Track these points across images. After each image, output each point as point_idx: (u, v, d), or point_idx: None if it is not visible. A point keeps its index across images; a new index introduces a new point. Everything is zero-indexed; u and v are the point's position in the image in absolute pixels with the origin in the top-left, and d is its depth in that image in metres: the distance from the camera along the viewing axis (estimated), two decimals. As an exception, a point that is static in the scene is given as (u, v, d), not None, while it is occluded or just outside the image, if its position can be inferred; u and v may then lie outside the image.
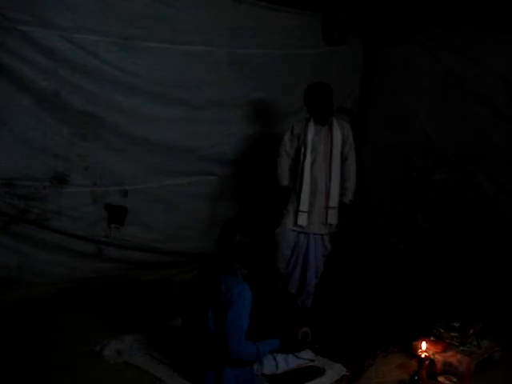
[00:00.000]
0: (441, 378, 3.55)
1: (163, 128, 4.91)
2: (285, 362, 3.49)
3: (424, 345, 3.61)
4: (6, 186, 4.23)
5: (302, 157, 4.47)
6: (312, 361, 3.58)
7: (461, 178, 5.48)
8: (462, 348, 3.72)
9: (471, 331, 3.81)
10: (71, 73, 4.32)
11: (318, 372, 3.54)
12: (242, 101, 5.28)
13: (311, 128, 4.47)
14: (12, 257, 4.36)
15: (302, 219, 4.45)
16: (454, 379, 3.53)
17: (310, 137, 4.46)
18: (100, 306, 4.40)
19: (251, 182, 5.44)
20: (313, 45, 5.70)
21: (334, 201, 4.51)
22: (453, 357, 3.62)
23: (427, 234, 5.49)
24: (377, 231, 5.77)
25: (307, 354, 3.61)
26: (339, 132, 4.51)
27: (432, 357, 3.58)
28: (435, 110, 5.65)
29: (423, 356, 3.54)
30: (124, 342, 3.77)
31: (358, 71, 6.24)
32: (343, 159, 4.56)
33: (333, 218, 4.54)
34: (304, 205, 4.44)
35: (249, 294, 3.28)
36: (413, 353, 3.75)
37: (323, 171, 4.49)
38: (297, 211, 4.46)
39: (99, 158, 4.66)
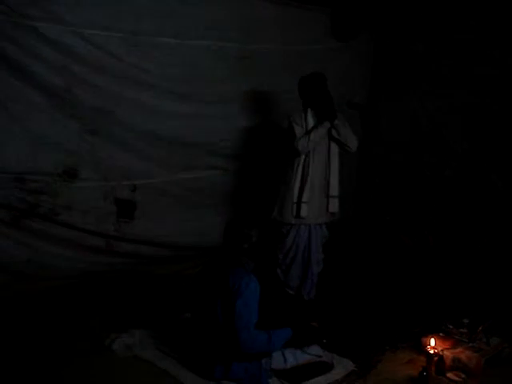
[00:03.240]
0: (449, 375, 3.52)
1: (172, 123, 4.92)
2: (293, 357, 3.49)
3: (433, 341, 3.59)
4: (17, 181, 4.27)
5: None
6: (320, 356, 3.59)
7: (471, 174, 5.45)
8: (471, 344, 3.70)
9: (480, 328, 3.80)
10: (82, 68, 4.36)
11: (327, 367, 3.54)
12: (252, 96, 5.27)
13: (310, 120, 4.45)
14: (22, 251, 4.40)
15: (304, 210, 4.45)
16: (463, 375, 3.50)
17: (310, 127, 4.43)
18: (110, 300, 4.42)
19: (259, 177, 5.45)
20: (323, 40, 5.69)
21: (334, 190, 4.52)
22: (462, 353, 3.59)
23: (437, 229, 5.46)
24: (386, 227, 5.76)
25: (315, 350, 3.61)
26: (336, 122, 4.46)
27: (441, 353, 3.55)
28: (446, 105, 5.62)
29: (432, 352, 3.53)
30: (133, 336, 3.78)
31: (368, 67, 6.22)
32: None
33: (334, 207, 4.55)
34: (306, 195, 4.44)
35: (256, 285, 3.29)
36: (422, 349, 3.73)
37: (323, 162, 4.49)
38: (298, 202, 4.45)
39: (109, 153, 4.69)
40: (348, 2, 5.66)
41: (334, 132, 4.44)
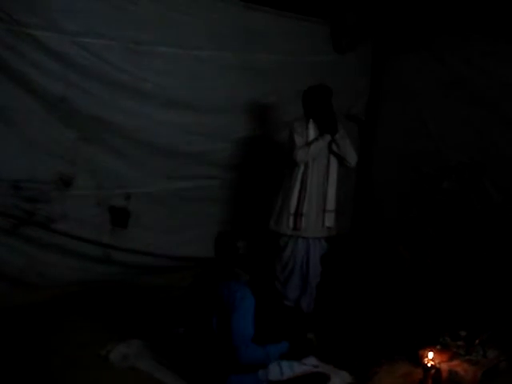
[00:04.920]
0: (446, 387, 3.54)
1: (169, 132, 4.92)
2: (290, 369, 3.49)
3: (430, 354, 3.60)
4: (13, 189, 4.24)
5: None
6: (317, 366, 3.59)
7: (469, 186, 5.48)
8: (468, 357, 3.71)
9: (477, 340, 3.81)
10: (80, 77, 4.35)
11: (323, 379, 3.53)
12: (250, 106, 5.28)
13: (311, 131, 4.47)
14: (20, 259, 4.37)
15: (301, 222, 4.46)
16: (460, 388, 3.53)
17: (311, 139, 4.45)
18: (106, 310, 4.38)
19: (257, 187, 5.47)
20: (322, 51, 5.72)
21: (331, 204, 4.54)
22: (459, 366, 3.60)
23: (435, 242, 5.48)
24: (384, 239, 5.77)
25: (311, 361, 3.61)
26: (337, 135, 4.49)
27: (438, 366, 3.56)
28: (443, 117, 5.64)
29: (429, 365, 3.54)
30: (130, 347, 3.76)
31: (367, 78, 6.25)
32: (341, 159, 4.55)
33: (330, 221, 4.56)
34: (304, 207, 4.45)
35: (251, 299, 3.29)
36: (418, 361, 3.72)
37: (321, 175, 4.50)
38: (295, 214, 4.46)
39: (104, 162, 4.68)
40: (347, 13, 5.69)
41: (334, 146, 4.46)
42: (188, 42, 4.76)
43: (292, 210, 4.47)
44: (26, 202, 4.31)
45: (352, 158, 4.55)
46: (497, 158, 5.30)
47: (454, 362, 3.65)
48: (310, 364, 3.61)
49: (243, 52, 5.11)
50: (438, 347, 3.82)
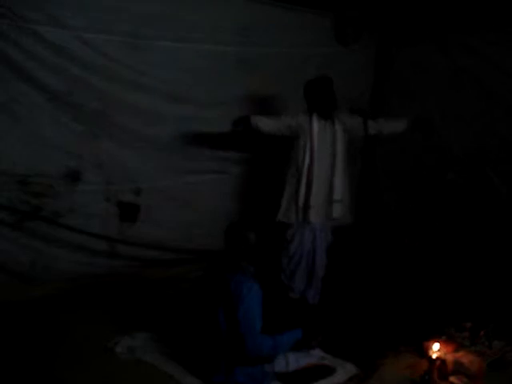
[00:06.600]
0: (452, 379, 3.52)
1: (174, 126, 4.92)
2: (295, 360, 3.51)
3: (435, 345, 3.60)
4: (21, 183, 4.28)
5: (307, 151, 4.47)
6: (323, 359, 3.60)
7: (473, 177, 5.44)
8: (473, 348, 3.72)
9: (483, 332, 3.81)
10: (83, 71, 4.36)
11: (329, 371, 3.55)
12: (253, 99, 5.23)
13: (315, 123, 4.48)
14: (26, 253, 4.40)
15: (310, 214, 4.48)
16: (465, 379, 3.50)
17: (315, 132, 4.46)
18: (113, 304, 4.42)
19: (263, 180, 5.45)
20: (325, 44, 5.65)
21: (338, 194, 4.55)
22: (464, 357, 3.60)
23: (439, 233, 5.46)
24: (388, 230, 5.76)
25: (318, 353, 3.63)
26: (341, 126, 4.54)
27: (443, 357, 3.56)
28: (448, 109, 5.59)
29: (434, 356, 3.54)
30: (136, 339, 3.80)
31: (371, 71, 6.19)
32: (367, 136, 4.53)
33: (337, 212, 4.57)
34: (313, 200, 4.46)
35: (258, 290, 3.29)
36: (424, 353, 3.72)
37: (328, 166, 4.52)
38: (304, 207, 4.48)
39: (112, 156, 4.69)
40: (350, 5, 5.65)
41: (370, 129, 4.46)
42: (189, 35, 4.73)
43: (301, 203, 4.49)
44: (33, 196, 4.35)
45: (398, 126, 4.70)
46: (502, 149, 5.26)
47: (460, 353, 3.65)
48: (316, 356, 3.62)
49: (244, 45, 5.06)
50: (444, 338, 3.82)
